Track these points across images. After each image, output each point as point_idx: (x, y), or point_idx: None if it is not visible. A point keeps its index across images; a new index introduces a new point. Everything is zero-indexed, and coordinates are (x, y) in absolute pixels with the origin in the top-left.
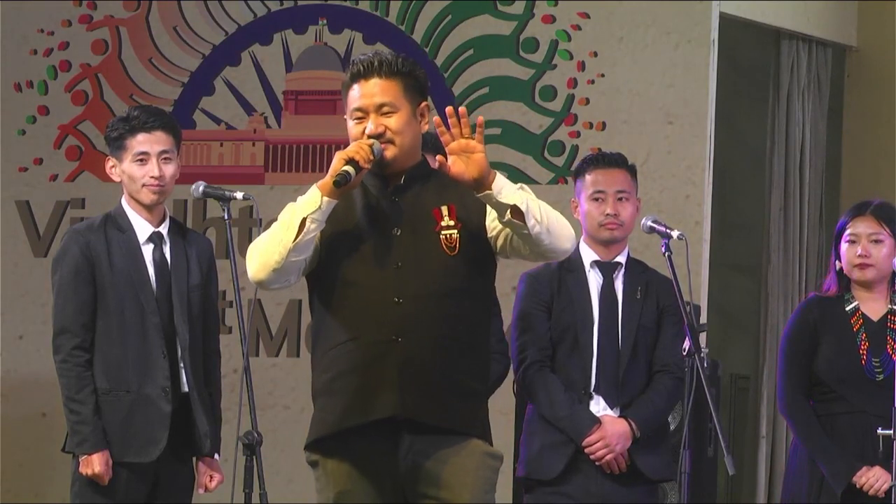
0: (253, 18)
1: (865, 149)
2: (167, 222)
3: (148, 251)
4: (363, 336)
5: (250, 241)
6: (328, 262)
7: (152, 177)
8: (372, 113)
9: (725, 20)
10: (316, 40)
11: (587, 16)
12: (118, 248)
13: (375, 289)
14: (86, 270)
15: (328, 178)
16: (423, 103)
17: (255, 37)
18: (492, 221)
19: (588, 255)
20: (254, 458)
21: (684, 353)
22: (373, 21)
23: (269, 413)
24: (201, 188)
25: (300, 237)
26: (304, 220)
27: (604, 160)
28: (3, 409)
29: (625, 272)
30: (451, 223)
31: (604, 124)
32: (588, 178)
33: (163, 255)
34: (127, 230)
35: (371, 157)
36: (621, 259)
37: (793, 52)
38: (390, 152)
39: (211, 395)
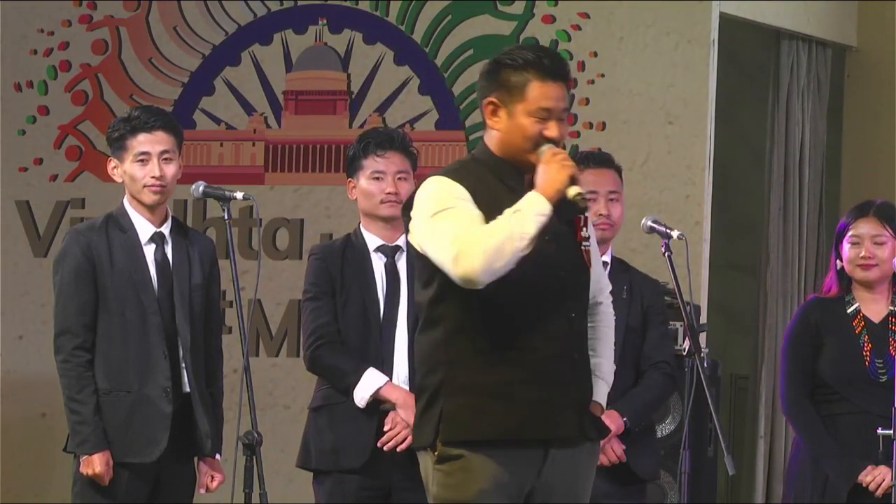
0: (253, 18)
1: (865, 149)
2: (169, 222)
3: (150, 251)
4: (543, 348)
5: (250, 241)
6: None
7: (153, 177)
8: (556, 119)
9: (725, 20)
10: (316, 40)
11: (587, 16)
12: (119, 249)
13: (549, 298)
14: (87, 271)
15: (551, 190)
16: None
17: (255, 37)
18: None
19: None
20: (254, 458)
21: (684, 354)
22: (373, 21)
23: (269, 413)
24: (201, 188)
25: (530, 249)
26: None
27: (594, 160)
28: (3, 409)
29: (610, 272)
30: (587, 235)
31: (604, 124)
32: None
33: (165, 255)
34: (128, 230)
35: None
36: (607, 258)
37: (793, 52)
38: None
39: (212, 395)
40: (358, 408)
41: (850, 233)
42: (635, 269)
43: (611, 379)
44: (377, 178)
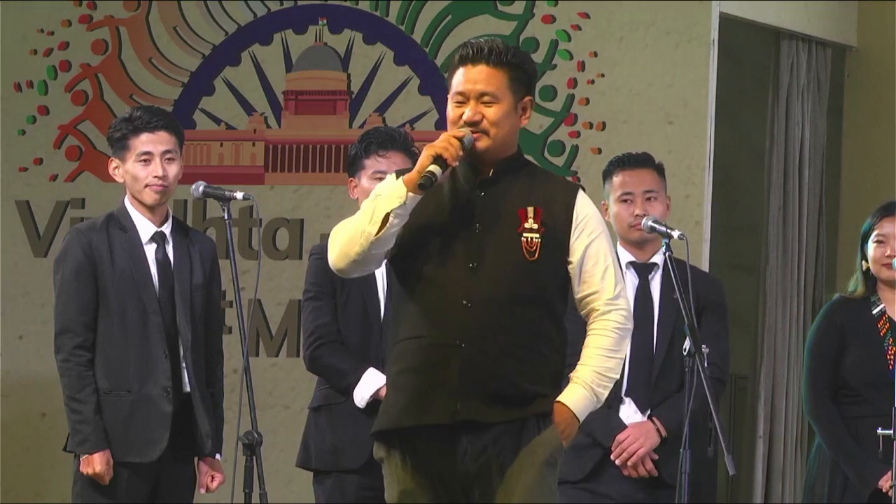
0: (253, 18)
1: (865, 149)
2: (170, 222)
3: (150, 251)
4: (428, 336)
5: (250, 241)
6: (406, 250)
7: (156, 177)
8: (472, 100)
9: (725, 20)
10: (316, 40)
11: (587, 16)
12: (120, 248)
13: (445, 289)
14: (88, 270)
15: (414, 174)
16: (527, 98)
17: (255, 37)
18: (573, 257)
19: (624, 256)
20: (254, 458)
21: (685, 353)
22: (373, 21)
23: (269, 413)
24: (201, 188)
25: (383, 231)
26: (387, 215)
27: (630, 161)
28: (3, 409)
29: (662, 273)
30: (535, 226)
31: (604, 124)
32: (616, 179)
33: (165, 254)
34: (129, 230)
35: (460, 154)
36: (657, 259)
37: (793, 52)
38: (483, 143)
39: (213, 396)
40: (358, 408)
41: (875, 232)
42: (692, 268)
43: (592, 380)
44: (379, 179)
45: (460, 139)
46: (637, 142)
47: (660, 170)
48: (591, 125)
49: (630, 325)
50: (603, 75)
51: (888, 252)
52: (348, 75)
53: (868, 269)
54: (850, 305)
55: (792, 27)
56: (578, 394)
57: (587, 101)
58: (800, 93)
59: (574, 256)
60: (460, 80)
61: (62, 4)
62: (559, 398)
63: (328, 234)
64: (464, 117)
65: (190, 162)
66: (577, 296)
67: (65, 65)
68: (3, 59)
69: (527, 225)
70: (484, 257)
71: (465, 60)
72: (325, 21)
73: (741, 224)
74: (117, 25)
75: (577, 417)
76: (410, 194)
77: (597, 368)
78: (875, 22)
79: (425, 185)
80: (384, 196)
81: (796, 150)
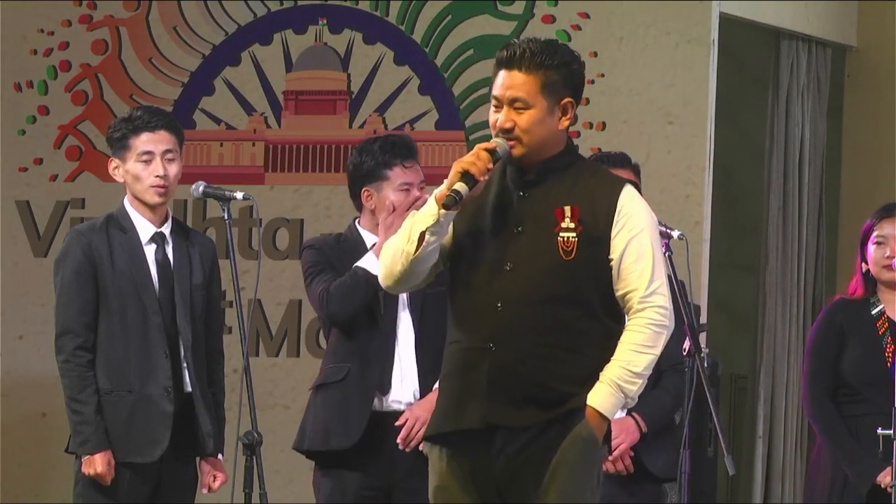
0: (253, 18)
1: (865, 149)
2: (169, 222)
3: (150, 251)
4: (463, 340)
5: (250, 241)
6: (453, 255)
7: (157, 176)
8: (505, 106)
9: (725, 20)
10: (316, 40)
11: (587, 16)
12: (120, 249)
13: (480, 291)
14: (88, 271)
15: (445, 190)
16: (566, 99)
17: (255, 37)
18: (614, 253)
19: None
20: (254, 458)
21: (684, 353)
22: (373, 21)
23: (269, 413)
24: (201, 188)
25: (421, 250)
26: (423, 234)
27: (607, 160)
28: (3, 409)
29: None
30: (571, 225)
31: (604, 124)
32: None
33: (165, 255)
34: (129, 230)
35: (489, 167)
36: None
37: (793, 52)
38: (517, 150)
39: (215, 395)
40: (350, 390)
41: (875, 233)
42: None
43: (619, 376)
44: (406, 190)
45: (492, 151)
46: (637, 142)
47: (636, 170)
48: (591, 125)
49: (667, 322)
50: (603, 75)
51: (888, 253)
52: (348, 75)
53: (868, 270)
54: (850, 306)
55: (792, 27)
56: (603, 392)
57: (587, 101)
58: (800, 93)
59: (615, 253)
60: (497, 83)
61: (62, 4)
62: (588, 401)
63: (328, 234)
64: (497, 123)
65: (190, 162)
66: (617, 293)
67: (65, 65)
68: (3, 59)
69: (563, 224)
70: (521, 259)
71: (501, 64)
72: (325, 21)
73: (741, 224)
74: (117, 25)
75: (603, 416)
76: (442, 211)
77: (624, 364)
78: (875, 22)
79: (449, 205)
80: (419, 214)
81: (796, 150)
